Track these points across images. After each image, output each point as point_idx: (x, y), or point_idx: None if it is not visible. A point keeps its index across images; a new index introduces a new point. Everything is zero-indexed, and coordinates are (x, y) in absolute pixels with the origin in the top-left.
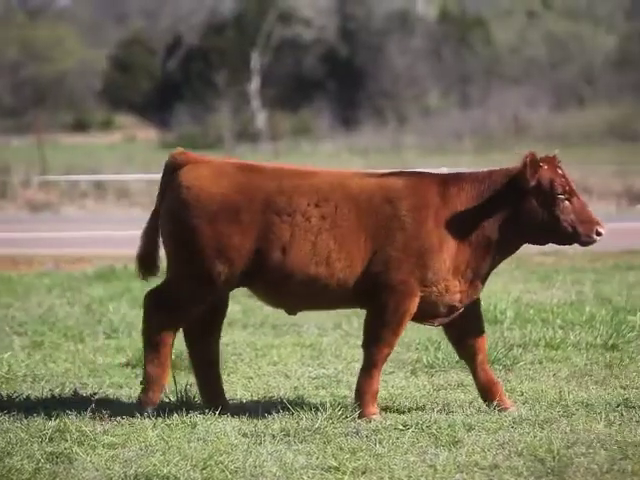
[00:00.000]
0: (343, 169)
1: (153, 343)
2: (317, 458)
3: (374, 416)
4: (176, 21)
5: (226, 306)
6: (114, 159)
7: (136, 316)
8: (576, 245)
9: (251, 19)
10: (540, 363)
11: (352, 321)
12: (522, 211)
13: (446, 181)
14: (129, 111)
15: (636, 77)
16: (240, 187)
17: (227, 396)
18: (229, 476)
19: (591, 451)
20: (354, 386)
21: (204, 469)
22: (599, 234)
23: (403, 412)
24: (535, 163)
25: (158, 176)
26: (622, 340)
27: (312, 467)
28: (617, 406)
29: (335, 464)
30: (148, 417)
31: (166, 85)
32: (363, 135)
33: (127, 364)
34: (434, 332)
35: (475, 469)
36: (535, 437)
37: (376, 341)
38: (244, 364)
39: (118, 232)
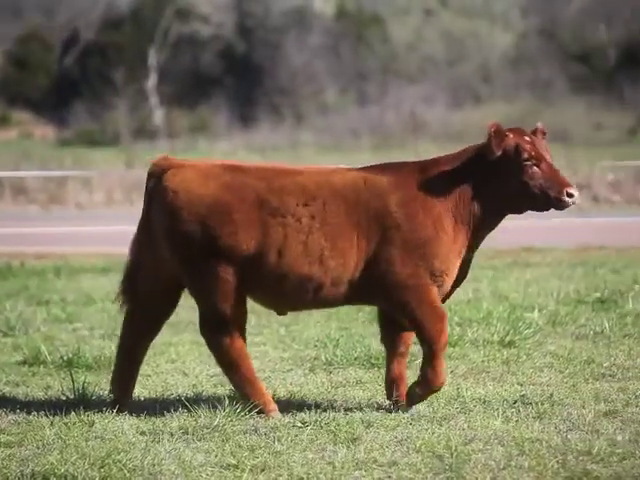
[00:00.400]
0: (322, 165)
1: (232, 364)
2: (216, 456)
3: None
4: (73, 16)
5: (174, 306)
6: (10, 156)
7: (32, 313)
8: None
9: (148, 15)
10: None
11: (250, 319)
12: (493, 182)
13: (425, 167)
14: (25, 107)
15: (532, 74)
16: (229, 187)
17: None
18: (127, 474)
19: (488, 447)
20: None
21: (102, 467)
22: (570, 195)
23: (302, 409)
24: (500, 133)
25: (55, 173)
26: (519, 337)
27: (211, 465)
28: (514, 402)
29: (234, 462)
30: (278, 419)
31: (63, 81)
32: (260, 132)
33: (24, 362)
34: (332, 329)
35: (374, 466)
36: (433, 434)
37: (428, 337)
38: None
39: (14, 229)
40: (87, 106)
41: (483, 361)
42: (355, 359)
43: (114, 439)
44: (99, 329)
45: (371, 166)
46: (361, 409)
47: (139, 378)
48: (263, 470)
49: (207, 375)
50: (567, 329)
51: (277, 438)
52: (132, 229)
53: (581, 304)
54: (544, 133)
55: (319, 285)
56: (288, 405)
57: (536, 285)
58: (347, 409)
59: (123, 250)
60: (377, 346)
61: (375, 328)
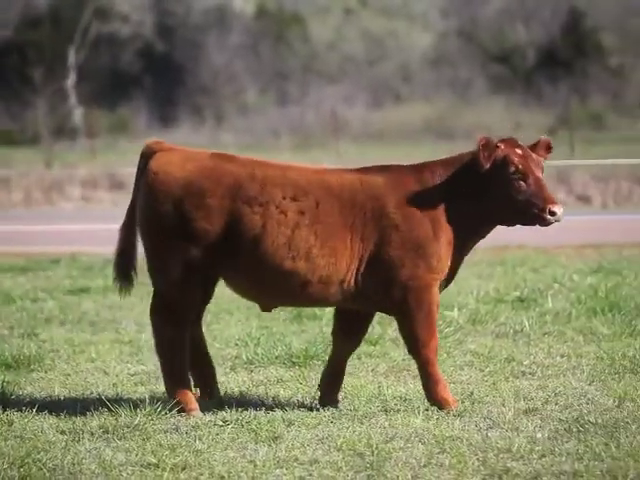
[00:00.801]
0: (315, 165)
1: (168, 353)
2: (136, 455)
3: (456, 404)
4: None
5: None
6: None
7: None
8: None
9: (67, 14)
10: (359, 359)
11: None
12: (482, 191)
13: (419, 169)
14: None
15: (452, 74)
16: (206, 171)
17: (44, 394)
18: (47, 474)
19: (409, 445)
20: None
21: (21, 467)
22: (552, 213)
23: (223, 408)
24: (488, 146)
25: None
26: (439, 335)
27: (131, 464)
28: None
29: (154, 461)
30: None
31: None
32: (181, 133)
33: None
34: (253, 328)
35: (295, 464)
36: (354, 432)
37: (419, 341)
38: (62, 361)
39: None
40: (5, 105)
41: (404, 359)
42: (276, 358)
43: (34, 438)
44: (18, 328)
45: (366, 167)
46: (282, 408)
47: (60, 378)
48: (184, 469)
49: (128, 374)
50: (487, 327)
51: (198, 437)
52: (52, 228)
53: (501, 303)
54: (549, 147)
55: (305, 282)
56: (209, 404)
57: (456, 284)
58: (268, 408)
59: (42, 249)
60: (298, 345)
61: (296, 327)
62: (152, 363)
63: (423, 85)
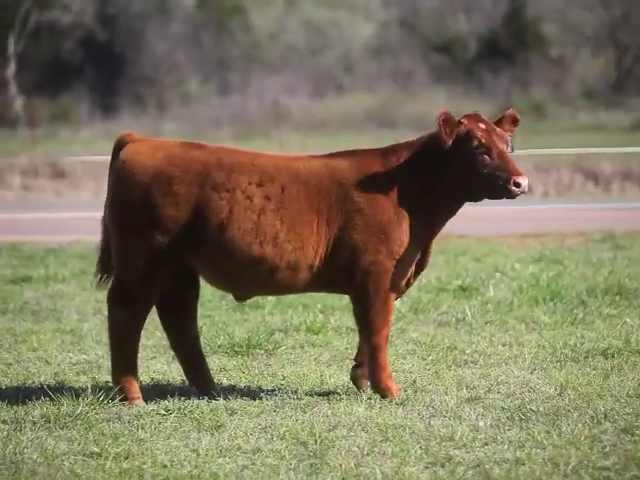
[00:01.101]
0: (283, 153)
1: (118, 342)
2: (79, 444)
3: (399, 393)
4: None
5: (197, 285)
6: None
7: None
8: None
9: (6, 2)
10: (302, 347)
11: None
12: (448, 168)
13: (384, 153)
14: None
15: (393, 64)
16: (174, 159)
17: None
18: None
19: (352, 434)
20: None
21: None
22: (517, 184)
23: (165, 397)
24: (449, 122)
25: None
26: None
27: (74, 453)
28: None
29: (97, 450)
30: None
31: None
32: (122, 122)
33: None
34: None
35: (237, 453)
36: (297, 421)
37: (372, 327)
38: (3, 350)
39: None
40: None
41: (346, 348)
42: (219, 347)
43: None
44: None
45: (334, 153)
46: (225, 397)
47: (2, 367)
48: (127, 458)
49: (70, 363)
50: (429, 316)
51: (140, 426)
52: None
53: (443, 292)
54: (515, 120)
55: (273, 268)
56: (151, 393)
57: None
58: (211, 396)
59: None
60: (241, 334)
61: (238, 316)
62: (94, 352)
63: (365, 75)
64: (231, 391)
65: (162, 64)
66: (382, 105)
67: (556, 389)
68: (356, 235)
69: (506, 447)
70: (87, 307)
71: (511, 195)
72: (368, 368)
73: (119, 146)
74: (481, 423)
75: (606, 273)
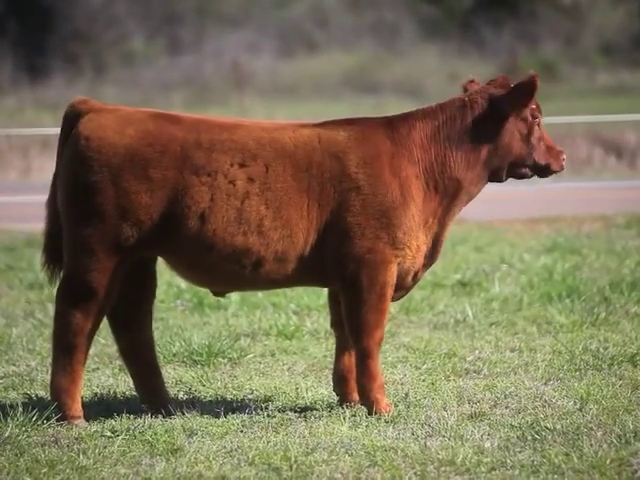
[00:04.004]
0: (273, 121)
1: (65, 346)
2: (8, 473)
3: (389, 408)
4: None
5: (154, 283)
6: None
7: None
8: None
9: None
10: (272, 355)
11: (47, 308)
12: (488, 141)
13: (392, 122)
14: None
15: (375, 18)
16: (149, 137)
17: None
18: None
19: (334, 457)
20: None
21: None
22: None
23: (111, 416)
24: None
25: None
26: None
27: None
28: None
29: None
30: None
31: None
32: (53, 87)
33: None
34: None
35: None
36: (268, 442)
37: (363, 327)
38: None
39: None
40: None
41: (325, 356)
42: (174, 355)
43: None
44: None
45: (329, 121)
46: (182, 415)
47: None
48: None
49: None
50: (423, 317)
51: (82, 451)
52: None
53: (439, 288)
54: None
55: (258, 260)
56: (95, 411)
57: None
58: (165, 414)
59: None
60: (200, 340)
61: (197, 319)
62: (25, 363)
63: (341, 31)
64: (189, 408)
65: (99, 18)
66: (362, 66)
67: (575, 403)
68: (350, 217)
69: (517, 472)
70: (16, 309)
71: (553, 173)
72: (356, 376)
73: (73, 116)
74: (487, 444)
75: (632, 264)
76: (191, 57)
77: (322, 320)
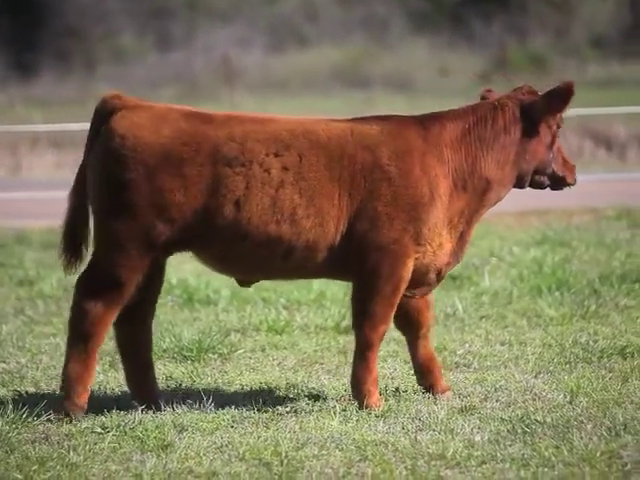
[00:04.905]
0: (304, 116)
1: (81, 335)
2: None
3: (379, 403)
4: None
5: (162, 278)
6: None
7: None
8: None
9: None
10: (262, 350)
11: (37, 305)
12: (528, 146)
13: (424, 122)
14: None
15: (365, 12)
16: (184, 136)
17: None
18: None
19: (324, 452)
20: (41, 384)
21: None
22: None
23: (102, 412)
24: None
25: None
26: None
27: None
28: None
29: (21, 477)
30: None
31: None
32: (43, 83)
33: None
34: None
35: (189, 477)
36: (259, 438)
37: (370, 317)
38: None
39: None
40: None
41: (316, 351)
42: (164, 351)
43: None
44: None
45: (360, 117)
46: (173, 410)
47: None
48: None
49: None
50: None
51: (72, 447)
52: None
53: None
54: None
55: (290, 248)
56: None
57: None
58: (156, 411)
59: None
60: (190, 335)
61: (187, 314)
62: (15, 360)
63: (331, 25)
64: (180, 404)
65: (90, 14)
66: (352, 61)
67: (565, 396)
68: (381, 207)
69: (507, 466)
70: (6, 306)
71: (568, 186)
72: (352, 367)
73: (105, 111)
74: (477, 438)
75: (622, 257)
76: (181, 53)
77: (312, 315)
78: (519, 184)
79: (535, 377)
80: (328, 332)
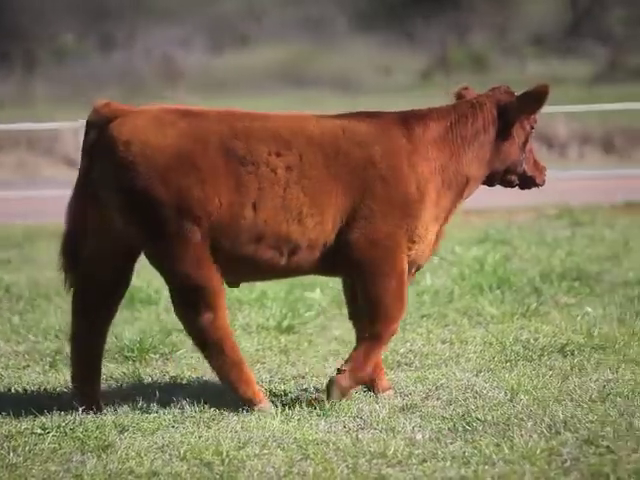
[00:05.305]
0: (293, 112)
1: (215, 345)
2: None
3: (349, 397)
4: None
5: (130, 279)
6: None
7: None
8: None
9: None
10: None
11: None
12: (502, 146)
13: (407, 120)
14: None
15: (307, 12)
16: (188, 133)
17: None
18: None
19: (266, 452)
20: None
21: None
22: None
23: (42, 413)
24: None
25: None
26: (298, 321)
27: None
28: (295, 398)
29: None
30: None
31: None
32: None
33: None
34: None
35: (130, 478)
36: (200, 438)
37: (383, 314)
38: None
39: None
40: None
41: (257, 350)
42: (105, 352)
43: None
44: None
45: (345, 114)
46: (114, 411)
47: None
48: None
49: None
50: None
51: (12, 448)
52: None
53: None
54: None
55: (295, 247)
56: (25, 408)
57: None
58: (97, 411)
59: None
60: (131, 335)
61: (128, 314)
62: None
63: (273, 24)
64: (121, 404)
65: (29, 13)
66: (294, 60)
67: (506, 394)
68: (375, 205)
69: (448, 464)
70: None
71: (537, 186)
72: (355, 354)
73: (99, 121)
74: (418, 436)
75: (563, 255)
76: (123, 53)
77: (254, 314)
78: (489, 182)
79: (476, 375)
80: (270, 331)
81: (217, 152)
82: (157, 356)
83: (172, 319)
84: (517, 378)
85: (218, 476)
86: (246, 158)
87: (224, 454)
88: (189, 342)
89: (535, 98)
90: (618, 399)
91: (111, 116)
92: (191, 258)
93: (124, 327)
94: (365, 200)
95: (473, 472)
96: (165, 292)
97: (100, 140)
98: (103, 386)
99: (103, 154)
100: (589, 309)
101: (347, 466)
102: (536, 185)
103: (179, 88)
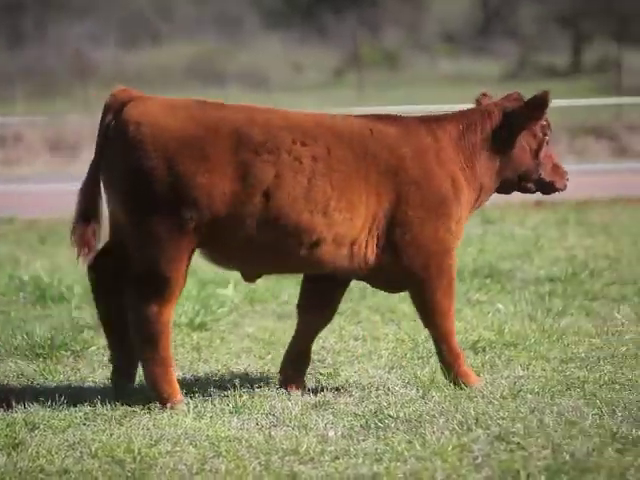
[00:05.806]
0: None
1: (150, 338)
2: None
3: (479, 379)
4: None
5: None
6: None
7: None
8: None
9: None
10: None
11: None
12: (512, 154)
13: (427, 122)
14: None
15: (218, 9)
16: (200, 119)
17: None
18: None
19: (178, 449)
20: None
21: None
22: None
23: None
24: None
25: None
26: (211, 318)
27: None
28: (207, 395)
29: None
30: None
31: None
32: None
33: None
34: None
35: (40, 476)
36: (112, 435)
37: (439, 312)
38: None
39: None
40: None
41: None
42: (15, 349)
43: None
44: None
45: (368, 115)
46: (24, 408)
47: None
48: None
49: None
50: (268, 307)
51: None
52: None
53: (283, 277)
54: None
55: (318, 240)
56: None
57: None
58: (7, 409)
59: None
60: (42, 332)
61: (39, 311)
62: None
63: (185, 22)
64: (31, 401)
65: None
66: (206, 57)
67: (418, 390)
68: (411, 211)
69: (361, 461)
70: None
71: (558, 191)
72: (440, 358)
73: (114, 106)
74: (331, 433)
75: (475, 252)
76: (33, 48)
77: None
78: (505, 190)
79: (388, 372)
80: (182, 329)
81: (228, 141)
82: (68, 353)
83: (84, 316)
84: (429, 375)
85: (130, 474)
86: (264, 145)
87: (136, 451)
88: (101, 340)
89: (536, 105)
90: (529, 396)
91: (127, 100)
92: (169, 246)
93: (35, 324)
94: (400, 206)
95: (385, 469)
96: (76, 289)
97: (114, 122)
98: (13, 383)
99: (115, 135)
100: (500, 306)
101: (259, 463)
102: (556, 190)
103: (91, 83)
